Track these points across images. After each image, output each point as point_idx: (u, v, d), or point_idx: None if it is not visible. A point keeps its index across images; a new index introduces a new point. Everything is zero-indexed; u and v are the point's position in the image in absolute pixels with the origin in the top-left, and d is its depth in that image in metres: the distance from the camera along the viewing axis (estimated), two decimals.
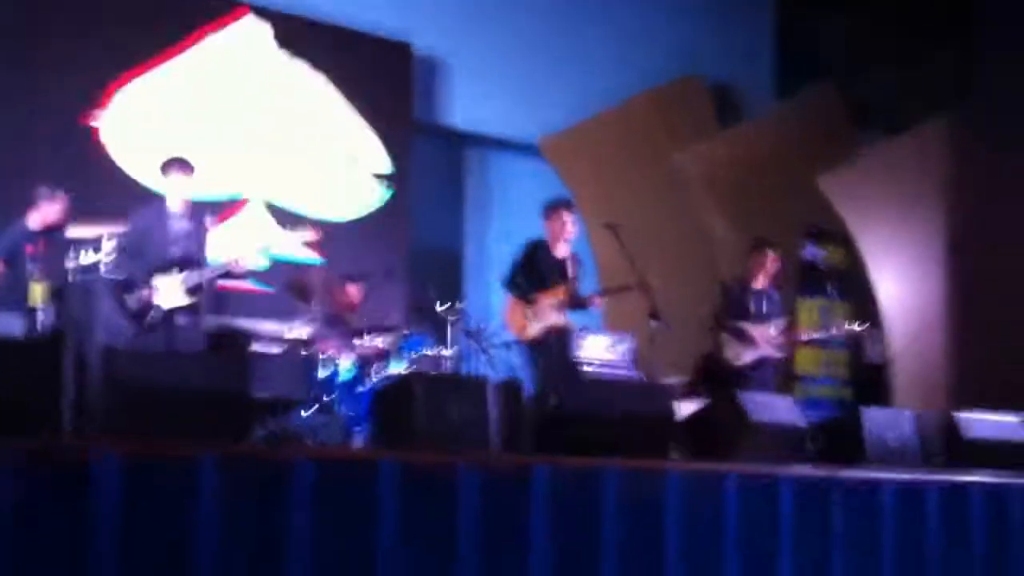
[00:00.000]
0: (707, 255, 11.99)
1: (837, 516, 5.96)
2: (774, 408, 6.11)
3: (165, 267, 7.50)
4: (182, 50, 10.34)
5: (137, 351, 5.01)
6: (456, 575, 4.73)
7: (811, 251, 11.62)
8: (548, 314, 8.24)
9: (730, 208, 11.77)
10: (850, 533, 5.99)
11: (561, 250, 8.44)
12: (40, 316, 7.75)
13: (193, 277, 7.49)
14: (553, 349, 8.27)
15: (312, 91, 11.12)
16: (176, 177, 7.71)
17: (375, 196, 11.39)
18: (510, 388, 5.28)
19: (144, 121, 10.10)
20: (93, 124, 9.72)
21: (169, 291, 7.46)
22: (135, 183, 9.74)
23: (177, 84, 10.34)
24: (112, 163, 9.79)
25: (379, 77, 11.43)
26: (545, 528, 4.99)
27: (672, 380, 10.36)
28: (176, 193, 7.70)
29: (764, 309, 9.21)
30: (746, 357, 9.12)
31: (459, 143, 12.79)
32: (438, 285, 9.64)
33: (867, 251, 11.18)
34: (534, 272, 8.37)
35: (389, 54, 11.51)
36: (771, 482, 5.75)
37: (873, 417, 6.48)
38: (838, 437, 6.45)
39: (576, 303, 8.47)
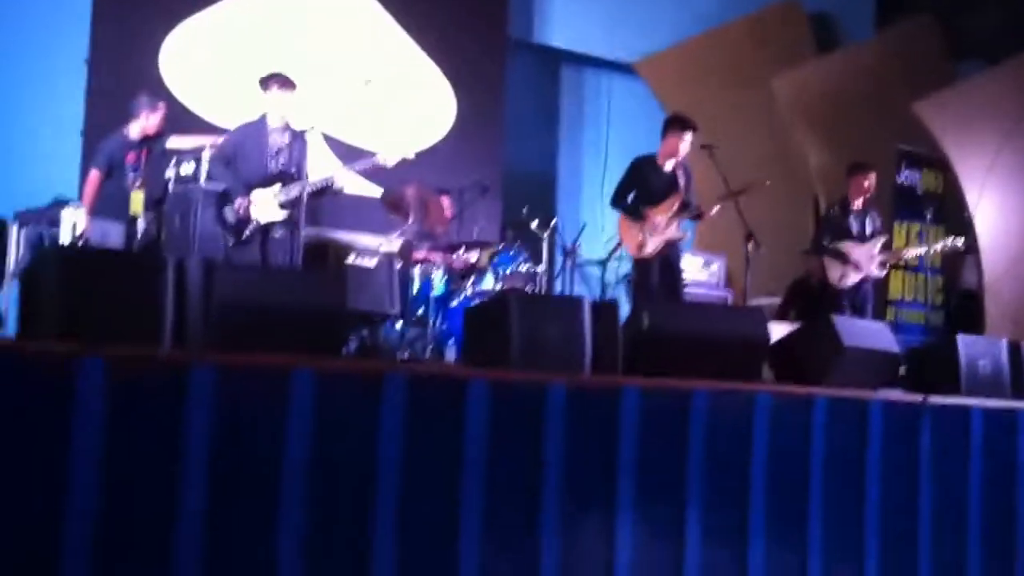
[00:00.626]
0: (802, 180, 11.91)
1: (925, 442, 5.94)
2: (868, 333, 6.04)
3: (263, 181, 7.58)
4: None
5: (236, 265, 5.05)
6: (543, 495, 4.79)
7: (907, 175, 11.44)
8: (663, 228, 8.23)
9: (825, 134, 11.68)
10: (938, 460, 5.97)
11: (669, 164, 8.41)
12: (140, 225, 7.92)
13: (289, 191, 7.56)
14: (663, 266, 8.29)
15: (373, 23, 11.10)
16: (276, 93, 7.75)
17: (439, 129, 11.34)
18: (604, 309, 5.26)
19: (202, 55, 10.23)
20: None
21: (265, 205, 7.56)
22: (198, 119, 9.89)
23: (237, 18, 10.44)
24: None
25: None
26: (632, 450, 5.03)
27: (764, 302, 10.39)
28: (275, 109, 7.76)
29: (866, 229, 9.23)
30: (850, 279, 9.13)
31: (555, 61, 12.75)
32: (532, 202, 9.68)
33: (964, 177, 10.96)
34: (643, 188, 8.35)
35: None
36: (861, 407, 5.73)
37: (968, 344, 6.39)
38: (932, 364, 6.37)
39: (691, 213, 8.47)
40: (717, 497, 5.25)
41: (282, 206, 7.55)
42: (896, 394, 5.95)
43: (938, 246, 9.70)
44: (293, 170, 7.68)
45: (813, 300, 10.04)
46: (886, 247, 9.38)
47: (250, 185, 7.62)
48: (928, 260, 11.24)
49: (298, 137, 7.73)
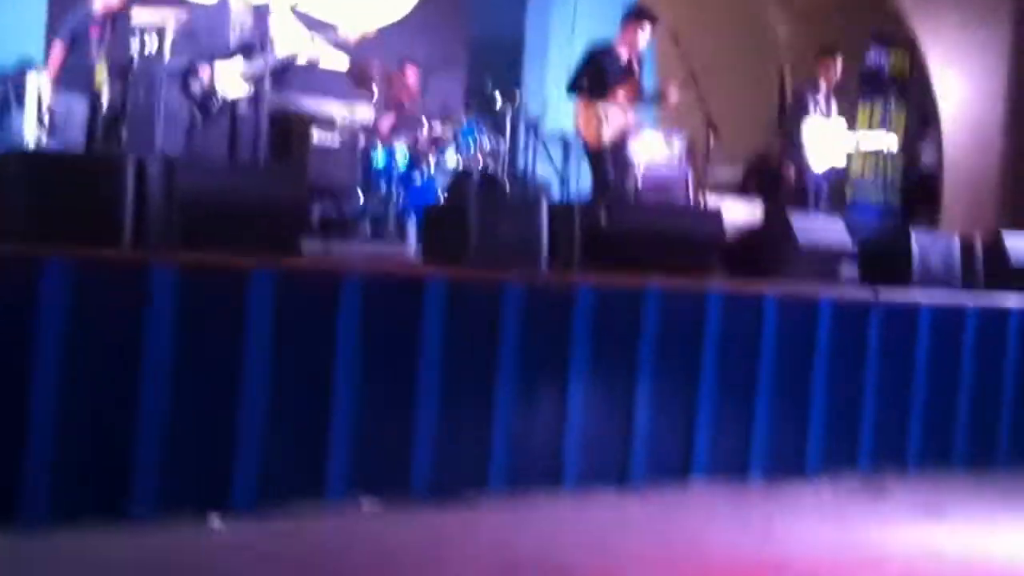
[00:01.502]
0: (769, 50, 11.87)
1: (873, 337, 6.11)
2: (823, 229, 6.16)
3: (226, 54, 7.53)
4: None
5: (195, 162, 5.07)
6: (498, 391, 4.94)
7: (875, 56, 11.42)
8: (619, 116, 8.25)
9: (795, 7, 11.56)
10: (886, 353, 6.14)
11: (625, 53, 8.40)
12: (104, 97, 7.87)
13: (253, 66, 7.51)
14: (617, 157, 8.34)
15: None
16: None
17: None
18: (562, 206, 5.35)
19: None
20: None
21: (229, 78, 7.51)
22: None
23: None
24: None
25: None
26: (586, 345, 5.17)
27: (725, 172, 10.48)
28: None
29: (829, 113, 9.28)
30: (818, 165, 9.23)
31: None
32: (497, 74, 9.64)
33: (931, 58, 10.94)
34: (598, 76, 8.33)
35: None
36: (811, 303, 5.88)
37: (921, 239, 6.52)
38: (886, 257, 6.49)
39: (645, 98, 8.51)
40: (667, 384, 5.42)
41: (245, 80, 7.49)
42: (845, 290, 6.08)
43: (876, 143, 9.78)
44: (256, 43, 7.58)
45: (774, 176, 10.13)
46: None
47: (213, 56, 7.55)
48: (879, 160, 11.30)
49: (261, 10, 7.64)
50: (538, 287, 5.08)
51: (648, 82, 8.69)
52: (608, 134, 8.17)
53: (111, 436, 4.14)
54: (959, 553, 4.78)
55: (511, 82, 10.50)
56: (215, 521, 4.21)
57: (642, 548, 4.50)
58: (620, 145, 8.30)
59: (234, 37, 7.60)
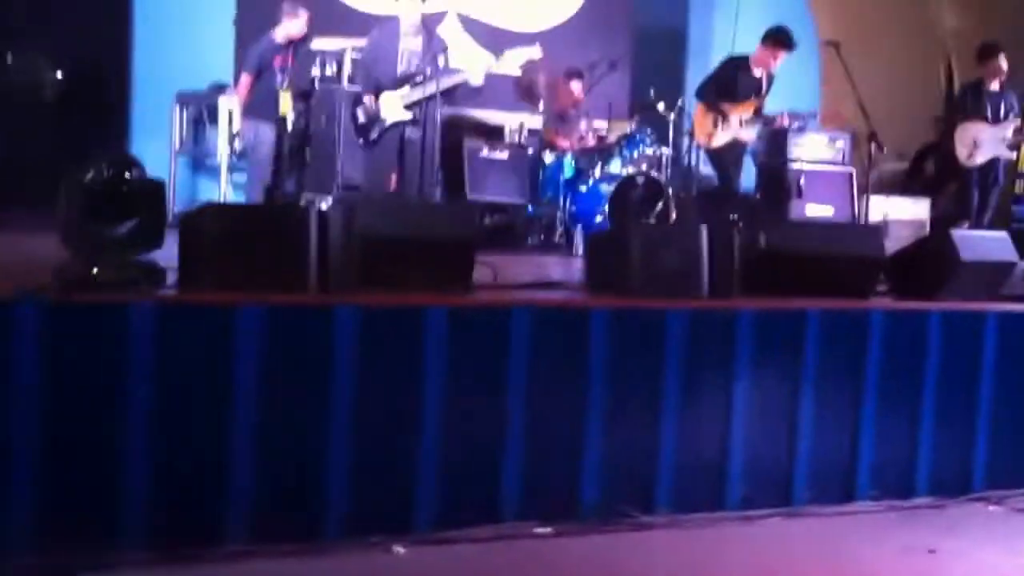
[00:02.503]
0: (934, 42, 11.71)
1: None
2: (986, 245, 6.16)
3: (393, 83, 7.85)
4: None
5: (372, 203, 5.40)
6: (663, 416, 5.13)
7: None
8: (735, 126, 8.46)
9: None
10: None
11: (759, 70, 8.58)
12: (289, 123, 8.32)
13: (414, 93, 7.79)
14: (733, 160, 8.55)
15: None
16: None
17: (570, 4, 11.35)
18: (722, 232, 5.48)
19: None
20: None
21: (392, 105, 7.82)
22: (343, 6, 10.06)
23: None
24: None
25: None
26: (748, 368, 5.32)
27: (891, 167, 10.44)
28: (408, 12, 7.94)
29: (1001, 111, 9.20)
30: (978, 159, 9.15)
31: None
32: (660, 74, 9.79)
33: None
34: (729, 87, 8.54)
35: None
36: (977, 319, 5.90)
37: None
38: None
39: (762, 120, 8.69)
40: (830, 404, 5.52)
41: (407, 107, 7.76)
42: (1010, 304, 6.07)
43: None
44: (426, 71, 7.87)
45: (942, 170, 10.07)
46: (1019, 130, 9.31)
47: (380, 87, 7.89)
48: None
49: (433, 36, 7.92)
50: (700, 312, 5.25)
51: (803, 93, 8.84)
52: (720, 140, 8.40)
53: (304, 467, 4.49)
54: None
55: (674, 83, 10.65)
56: (398, 547, 4.51)
57: (807, 571, 4.64)
58: (737, 151, 8.51)
59: (401, 66, 7.90)
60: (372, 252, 4.76)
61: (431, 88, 7.77)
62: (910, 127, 11.11)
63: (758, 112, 8.68)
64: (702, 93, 8.76)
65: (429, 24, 8.04)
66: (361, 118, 7.92)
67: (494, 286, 5.35)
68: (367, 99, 7.88)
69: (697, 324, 5.21)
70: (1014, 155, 9.47)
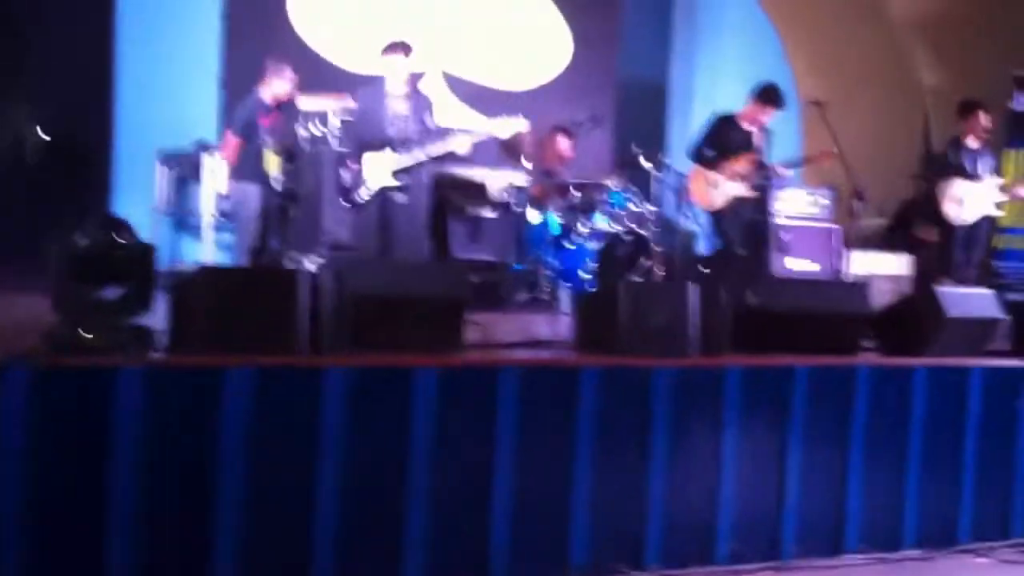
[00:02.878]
0: (913, 97, 11.85)
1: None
2: (971, 302, 6.21)
3: (377, 145, 7.78)
4: None
5: (362, 266, 5.41)
6: (651, 473, 5.14)
7: (1021, 101, 11.26)
8: (731, 184, 8.48)
9: (939, 54, 11.51)
10: None
11: (747, 126, 8.61)
12: (275, 183, 8.33)
13: (403, 160, 7.74)
14: (737, 218, 8.55)
15: None
16: (392, 58, 7.90)
17: (556, 64, 11.48)
18: (711, 290, 5.51)
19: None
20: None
21: (377, 169, 7.77)
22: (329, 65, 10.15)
23: None
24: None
25: None
26: (736, 424, 5.34)
27: (871, 223, 10.51)
28: (393, 74, 7.91)
29: (979, 169, 9.28)
30: (965, 216, 9.23)
31: None
32: (642, 127, 9.86)
33: None
34: (719, 144, 8.58)
35: None
36: (961, 374, 5.94)
37: None
38: None
39: (762, 172, 8.69)
40: (817, 458, 5.55)
41: (395, 174, 7.74)
42: (994, 360, 6.12)
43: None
44: (413, 135, 7.83)
45: (926, 227, 10.14)
46: (1003, 188, 9.40)
47: (364, 149, 7.84)
48: None
49: (420, 99, 7.94)
50: (688, 370, 5.27)
51: (785, 149, 8.87)
52: (719, 201, 8.40)
53: (292, 530, 4.48)
54: None
55: (656, 139, 10.73)
56: None
57: None
58: (738, 210, 8.51)
59: (388, 129, 7.82)
60: (363, 313, 4.79)
61: (419, 155, 7.75)
62: (889, 183, 11.19)
63: (757, 165, 8.67)
64: (694, 154, 8.77)
65: (415, 85, 8.05)
66: (346, 181, 7.89)
67: (484, 345, 5.37)
68: (351, 163, 7.87)
69: (686, 382, 5.24)
70: (1000, 213, 9.53)
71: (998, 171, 9.66)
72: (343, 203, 7.86)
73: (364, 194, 7.79)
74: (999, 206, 9.42)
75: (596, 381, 5.03)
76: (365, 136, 7.85)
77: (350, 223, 8.00)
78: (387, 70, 7.95)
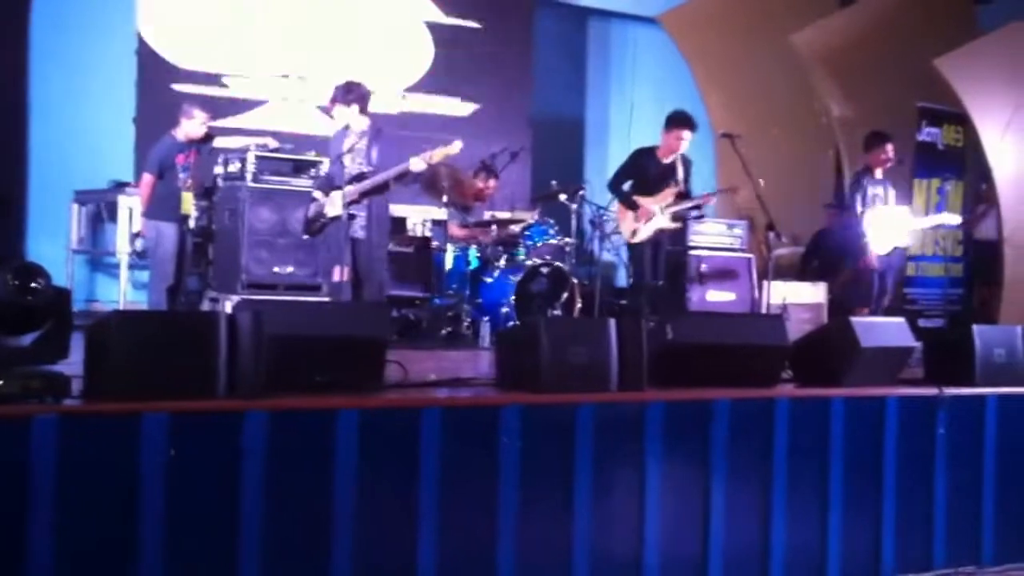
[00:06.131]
0: (824, 130, 12.08)
1: (941, 434, 6.20)
2: (885, 331, 6.30)
3: (343, 183, 7.72)
4: None
5: (282, 308, 5.37)
6: (576, 510, 5.13)
7: (928, 132, 11.52)
8: (655, 217, 8.56)
9: (847, 88, 11.77)
10: (954, 449, 6.24)
11: (668, 157, 8.71)
12: (192, 221, 8.27)
13: (350, 193, 7.67)
14: (654, 252, 8.65)
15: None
16: (354, 109, 7.85)
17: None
18: (629, 324, 5.53)
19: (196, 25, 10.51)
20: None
21: (335, 202, 7.73)
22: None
23: None
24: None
25: None
26: (658, 460, 5.36)
27: (785, 251, 10.68)
28: (341, 118, 7.88)
29: (888, 200, 9.47)
30: (877, 246, 9.39)
31: (582, 16, 12.94)
32: (560, 162, 9.93)
33: (984, 132, 11.00)
34: (639, 178, 8.67)
35: None
36: (877, 404, 6.02)
37: (983, 334, 6.61)
38: (948, 353, 6.58)
39: (689, 204, 8.79)
40: (740, 493, 5.57)
41: (344, 205, 7.65)
42: (911, 389, 6.21)
43: (937, 221, 9.92)
44: (367, 169, 7.78)
45: (835, 254, 10.33)
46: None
47: (329, 188, 7.86)
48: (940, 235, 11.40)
49: (373, 133, 7.88)
50: (610, 406, 5.28)
51: (701, 181, 8.98)
52: (644, 234, 8.49)
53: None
54: None
55: (574, 173, 10.83)
56: None
57: None
58: (659, 242, 8.60)
59: (347, 166, 7.76)
60: (282, 354, 4.72)
61: (367, 185, 7.71)
62: (802, 213, 11.42)
63: (682, 196, 8.75)
64: (613, 187, 8.84)
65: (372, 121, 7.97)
66: (310, 212, 7.88)
67: (405, 384, 5.34)
68: (319, 195, 7.86)
69: (608, 417, 5.24)
70: (911, 242, 9.73)
71: (908, 201, 9.87)
72: (303, 236, 7.88)
73: (321, 223, 7.79)
74: (910, 235, 9.61)
75: (519, 418, 5.01)
76: (332, 173, 7.90)
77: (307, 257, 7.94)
78: (347, 116, 7.88)
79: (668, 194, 8.64)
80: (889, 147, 9.44)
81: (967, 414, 6.29)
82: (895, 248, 9.49)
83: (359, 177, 7.69)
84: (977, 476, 6.32)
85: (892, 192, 9.54)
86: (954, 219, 10.32)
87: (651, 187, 8.66)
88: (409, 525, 4.79)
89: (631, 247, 8.77)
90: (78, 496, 4.15)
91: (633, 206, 8.62)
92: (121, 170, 9.33)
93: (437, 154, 7.69)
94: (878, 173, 9.48)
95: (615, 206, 8.94)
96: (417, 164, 7.67)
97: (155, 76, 9.79)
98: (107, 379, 4.33)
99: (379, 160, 7.77)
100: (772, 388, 5.86)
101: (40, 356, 4.19)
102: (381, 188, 7.72)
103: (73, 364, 4.42)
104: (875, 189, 9.43)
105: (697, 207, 8.91)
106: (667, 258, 8.79)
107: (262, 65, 10.30)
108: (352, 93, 7.82)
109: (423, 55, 11.52)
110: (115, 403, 4.28)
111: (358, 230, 7.67)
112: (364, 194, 7.62)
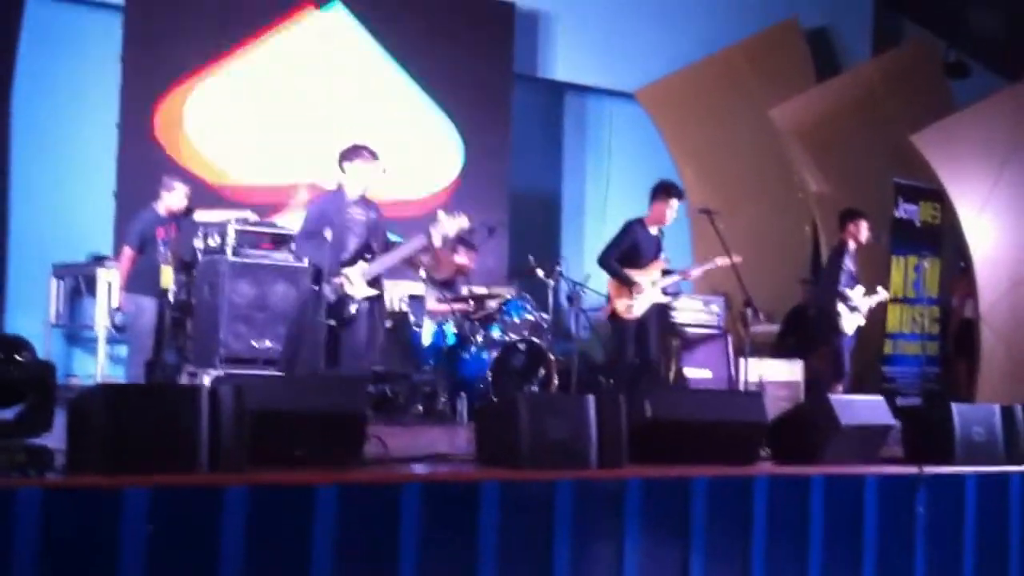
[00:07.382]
0: (802, 204, 12.21)
1: (921, 512, 6.22)
2: (863, 409, 6.34)
3: (350, 259, 7.46)
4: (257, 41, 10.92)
5: (262, 382, 5.39)
6: None
7: (904, 208, 11.65)
8: (649, 292, 8.57)
9: (824, 162, 11.92)
10: (933, 528, 6.25)
11: (654, 228, 8.75)
12: (171, 295, 8.27)
13: (373, 268, 7.49)
14: (639, 326, 8.65)
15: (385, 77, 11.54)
16: (359, 165, 7.50)
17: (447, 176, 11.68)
18: (608, 402, 5.55)
19: (220, 114, 10.68)
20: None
21: (356, 282, 7.42)
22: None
23: (253, 77, 10.91)
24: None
25: (482, 34, 11.77)
26: (637, 537, 5.35)
27: (762, 329, 10.73)
28: (356, 181, 7.52)
29: (856, 276, 9.59)
30: (849, 323, 9.46)
31: (558, 92, 13.09)
32: (537, 242, 9.99)
33: (960, 207, 11.14)
34: (633, 251, 8.67)
35: (493, 12, 11.82)
36: (857, 483, 6.03)
37: (962, 412, 6.64)
38: (927, 431, 6.61)
39: (674, 277, 8.83)
40: (719, 571, 5.56)
41: (369, 283, 7.45)
42: (890, 467, 6.23)
43: (873, 302, 9.96)
44: (373, 244, 7.58)
45: (811, 330, 10.38)
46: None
47: (340, 263, 7.43)
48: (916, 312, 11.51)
49: (373, 207, 7.66)
50: (588, 483, 5.28)
51: (676, 256, 9.07)
52: (639, 309, 8.49)
53: None
54: None
55: (550, 248, 10.89)
56: None
57: None
58: (647, 317, 8.61)
59: (353, 240, 7.52)
60: (262, 429, 4.73)
61: (387, 261, 7.56)
62: (778, 290, 11.49)
63: (666, 272, 8.79)
64: (606, 261, 8.77)
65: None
66: (330, 296, 7.31)
67: (383, 460, 5.34)
68: (335, 279, 7.39)
69: (586, 494, 5.24)
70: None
71: (885, 278, 9.98)
72: (330, 322, 7.29)
73: (353, 308, 7.41)
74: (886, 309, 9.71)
75: (497, 495, 5.01)
76: (335, 248, 7.39)
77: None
78: (349, 176, 7.52)
79: (656, 267, 8.69)
80: (863, 223, 9.55)
81: (947, 493, 6.31)
82: (858, 328, 9.60)
83: (366, 250, 7.47)
84: (957, 555, 6.33)
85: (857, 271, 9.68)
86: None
87: (641, 261, 8.67)
88: None
89: (615, 321, 8.72)
90: (59, 570, 4.12)
91: (628, 281, 8.59)
92: (101, 243, 9.34)
93: (453, 227, 7.55)
94: (851, 248, 9.58)
95: (604, 278, 8.87)
96: (436, 238, 7.48)
97: (138, 150, 9.83)
98: (90, 451, 4.32)
99: (379, 232, 7.60)
100: (751, 465, 5.89)
101: (24, 429, 4.18)
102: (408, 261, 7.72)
103: (55, 437, 4.42)
104: (850, 265, 9.54)
105: (679, 280, 8.99)
106: (648, 334, 8.72)
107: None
108: (356, 151, 7.52)
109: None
110: (97, 476, 4.27)
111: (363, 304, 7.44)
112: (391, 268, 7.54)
